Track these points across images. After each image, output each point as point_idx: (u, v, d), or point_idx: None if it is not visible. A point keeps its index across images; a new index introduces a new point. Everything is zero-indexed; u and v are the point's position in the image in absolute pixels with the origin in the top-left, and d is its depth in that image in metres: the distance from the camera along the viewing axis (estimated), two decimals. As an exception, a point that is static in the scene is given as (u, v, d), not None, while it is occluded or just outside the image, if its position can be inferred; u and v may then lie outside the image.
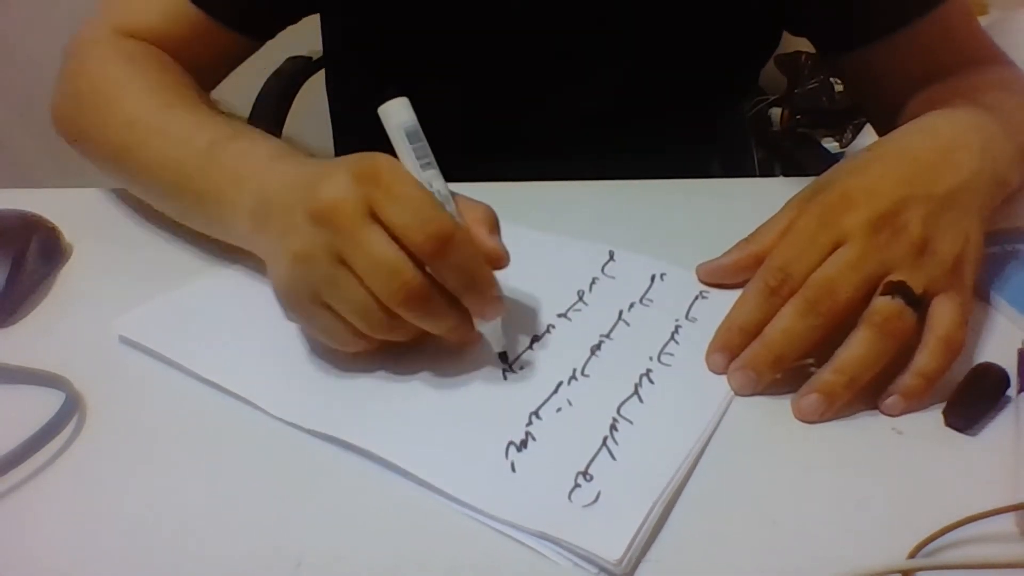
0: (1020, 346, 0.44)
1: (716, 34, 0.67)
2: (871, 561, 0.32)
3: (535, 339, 0.46)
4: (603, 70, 0.68)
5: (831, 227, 0.43)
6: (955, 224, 0.44)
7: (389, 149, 0.41)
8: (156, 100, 0.55)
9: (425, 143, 0.41)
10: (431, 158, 0.41)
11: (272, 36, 0.69)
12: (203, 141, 0.50)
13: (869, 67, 0.67)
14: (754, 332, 0.43)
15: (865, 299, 0.42)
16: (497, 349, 0.43)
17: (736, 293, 0.46)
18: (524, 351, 0.45)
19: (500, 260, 0.41)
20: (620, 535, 0.33)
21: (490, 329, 0.43)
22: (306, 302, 0.41)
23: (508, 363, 0.43)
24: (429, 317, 0.40)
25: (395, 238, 0.38)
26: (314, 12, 0.72)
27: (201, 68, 0.62)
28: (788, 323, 0.42)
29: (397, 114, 0.40)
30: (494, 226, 0.42)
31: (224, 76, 0.67)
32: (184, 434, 0.40)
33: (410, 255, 0.38)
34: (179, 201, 0.53)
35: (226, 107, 0.59)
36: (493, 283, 0.41)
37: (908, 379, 0.41)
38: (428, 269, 0.39)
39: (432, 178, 0.41)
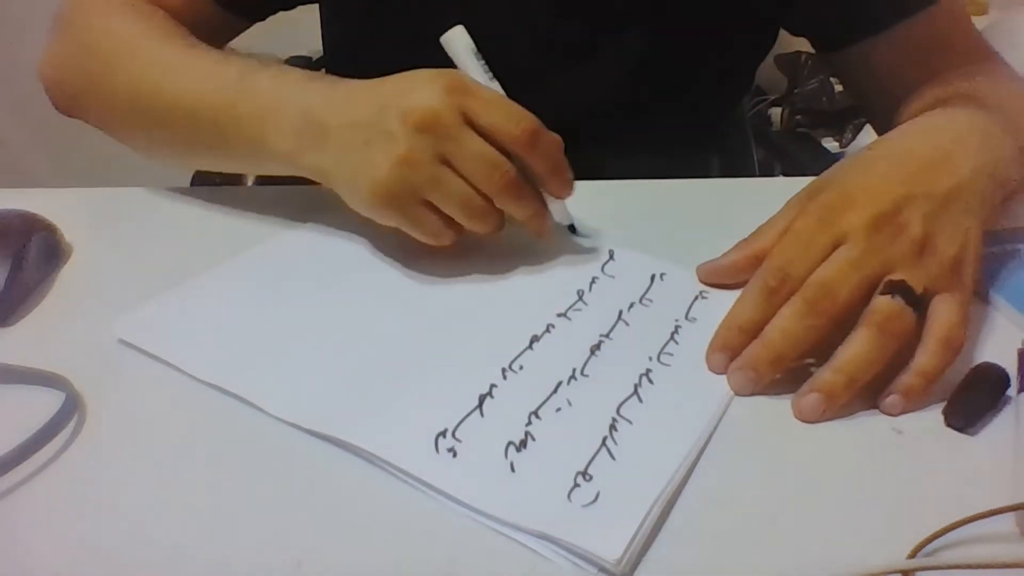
0: (1020, 346, 0.44)
1: (714, 32, 0.67)
2: (871, 561, 0.32)
3: (535, 339, 0.46)
4: (600, 69, 0.68)
5: (831, 227, 0.43)
6: (955, 223, 0.44)
7: None
8: (174, 42, 0.57)
9: (484, 60, 0.49)
10: (490, 71, 0.49)
11: (262, 18, 0.69)
12: (232, 73, 0.53)
13: (865, 64, 0.67)
14: (754, 332, 0.43)
15: (865, 299, 0.42)
16: (565, 223, 0.53)
17: (736, 293, 0.46)
18: (524, 351, 0.45)
19: (563, 144, 0.48)
20: (619, 534, 0.33)
21: (559, 209, 0.51)
22: (406, 201, 0.46)
23: (576, 232, 0.53)
24: (520, 201, 0.48)
25: (488, 138, 0.45)
26: (308, 2, 0.72)
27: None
28: (788, 323, 0.42)
29: (461, 38, 0.49)
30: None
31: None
32: (184, 434, 0.40)
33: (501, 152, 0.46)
34: (208, 133, 0.54)
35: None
36: (567, 166, 0.49)
37: (908, 378, 0.41)
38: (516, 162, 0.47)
39: (497, 87, 0.49)
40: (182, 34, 0.59)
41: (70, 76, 0.60)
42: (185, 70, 0.55)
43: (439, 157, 0.45)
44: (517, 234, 0.55)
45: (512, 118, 0.46)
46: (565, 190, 0.50)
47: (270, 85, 0.51)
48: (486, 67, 0.49)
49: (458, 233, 0.48)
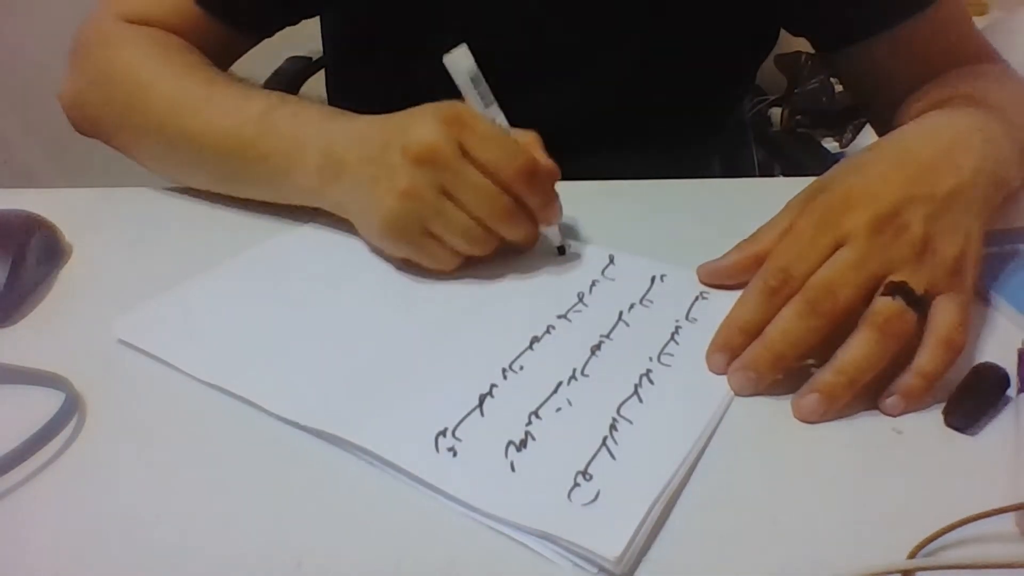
0: (1020, 346, 0.44)
1: (714, 32, 0.67)
2: (871, 561, 0.32)
3: (535, 339, 0.46)
4: (602, 72, 0.68)
5: (832, 228, 0.43)
6: (956, 224, 0.44)
7: None
8: (195, 76, 0.58)
9: (485, 83, 0.48)
10: (491, 95, 0.49)
11: (270, 34, 0.70)
12: (254, 110, 0.54)
13: (865, 64, 0.67)
14: (754, 332, 0.43)
15: (866, 300, 0.42)
16: (556, 243, 0.53)
17: (736, 294, 0.46)
18: (524, 351, 0.45)
19: (557, 174, 0.50)
20: (619, 533, 0.33)
21: (551, 231, 0.53)
22: (414, 232, 0.48)
23: (565, 253, 0.53)
24: (517, 227, 0.49)
25: (485, 173, 0.46)
26: (313, 15, 0.73)
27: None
28: (788, 324, 0.42)
29: (463, 61, 0.48)
30: (541, 145, 0.50)
31: (224, 69, 0.68)
32: (184, 434, 0.40)
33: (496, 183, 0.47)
34: (235, 167, 0.55)
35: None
36: (557, 195, 0.50)
37: (908, 379, 0.41)
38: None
39: (494, 113, 0.49)
40: (201, 64, 0.60)
41: (93, 107, 0.62)
42: (208, 107, 0.56)
43: (440, 189, 0.47)
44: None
45: (508, 156, 0.47)
46: (555, 218, 0.51)
47: (291, 124, 0.53)
48: (487, 90, 0.49)
49: (461, 259, 0.50)
